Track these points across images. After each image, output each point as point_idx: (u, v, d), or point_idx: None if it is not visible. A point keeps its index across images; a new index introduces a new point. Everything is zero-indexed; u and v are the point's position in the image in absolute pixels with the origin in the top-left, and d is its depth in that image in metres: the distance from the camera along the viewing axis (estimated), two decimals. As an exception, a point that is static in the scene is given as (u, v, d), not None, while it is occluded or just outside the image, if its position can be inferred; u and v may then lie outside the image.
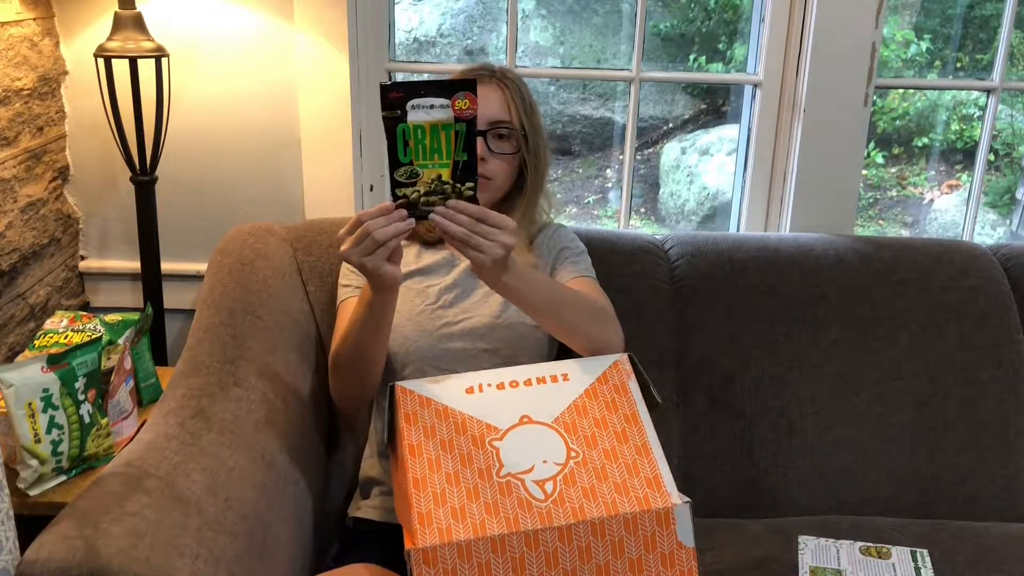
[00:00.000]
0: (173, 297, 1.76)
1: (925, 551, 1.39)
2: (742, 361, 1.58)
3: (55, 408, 1.23)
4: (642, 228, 3.15)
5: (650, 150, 3.20)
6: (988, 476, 1.58)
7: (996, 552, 1.41)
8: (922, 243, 1.71)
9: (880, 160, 3.19)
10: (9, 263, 1.54)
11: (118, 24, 1.52)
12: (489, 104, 1.32)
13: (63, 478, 1.28)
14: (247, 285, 1.41)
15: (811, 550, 1.39)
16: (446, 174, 1.05)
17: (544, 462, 1.02)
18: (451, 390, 1.10)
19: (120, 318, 1.51)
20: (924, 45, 2.84)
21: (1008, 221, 3.00)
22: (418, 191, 1.05)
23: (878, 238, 1.72)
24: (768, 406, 1.57)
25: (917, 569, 1.35)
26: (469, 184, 1.06)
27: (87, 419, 1.28)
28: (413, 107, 1.03)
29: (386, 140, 1.04)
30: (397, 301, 1.18)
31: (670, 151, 3.16)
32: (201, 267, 1.62)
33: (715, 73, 2.87)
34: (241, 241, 1.48)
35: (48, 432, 1.23)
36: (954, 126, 3.19)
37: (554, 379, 1.12)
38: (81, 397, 1.26)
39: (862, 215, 3.08)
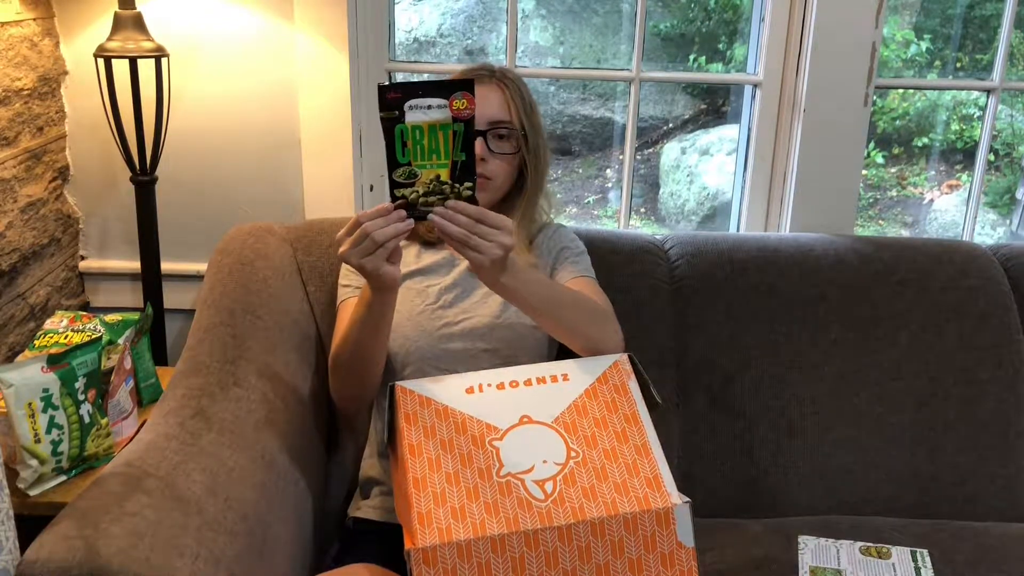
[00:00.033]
0: (173, 297, 1.76)
1: (925, 551, 1.39)
2: (742, 361, 1.58)
3: (55, 408, 1.23)
4: (642, 228, 3.15)
5: (650, 150, 3.20)
6: (988, 476, 1.58)
7: (996, 552, 1.41)
8: (922, 243, 1.71)
9: (880, 160, 3.19)
10: (9, 263, 1.54)
11: (118, 24, 1.52)
12: (489, 104, 1.32)
13: (63, 478, 1.28)
14: (247, 285, 1.41)
15: (811, 550, 1.39)
16: (444, 174, 1.05)
17: (544, 462, 1.02)
18: (451, 390, 1.10)
19: (120, 318, 1.51)
20: (924, 45, 2.84)
21: (1008, 221, 3.00)
22: (417, 191, 1.05)
23: (878, 238, 1.72)
24: (768, 406, 1.57)
25: (917, 569, 1.35)
26: (467, 184, 1.06)
27: (87, 419, 1.28)
28: (411, 108, 1.03)
29: (384, 141, 1.04)
30: (397, 301, 1.18)
31: (670, 151, 3.16)
32: (201, 267, 1.62)
33: (715, 73, 2.87)
34: (241, 241, 1.48)
35: (48, 432, 1.23)
36: (954, 126, 3.19)
37: (554, 379, 1.12)
38: (81, 397, 1.26)
39: (862, 215, 3.08)
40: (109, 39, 1.52)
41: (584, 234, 1.53)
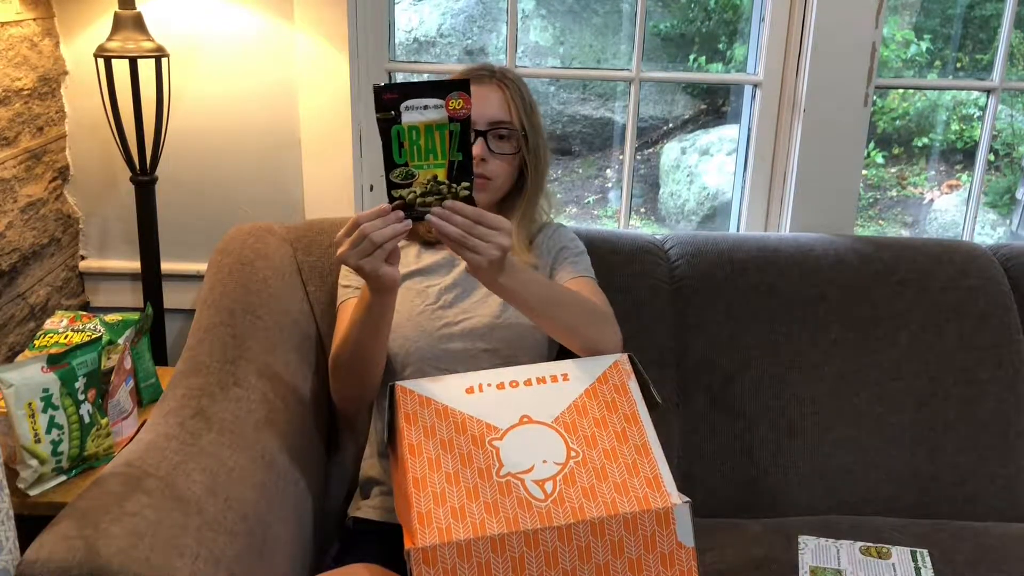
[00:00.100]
0: (173, 297, 1.76)
1: (925, 551, 1.39)
2: (742, 361, 1.58)
3: (55, 408, 1.23)
4: (642, 228, 3.15)
5: (650, 150, 3.20)
6: (988, 476, 1.58)
7: (996, 552, 1.41)
8: (922, 243, 1.71)
9: (880, 160, 3.19)
10: (9, 263, 1.54)
11: (118, 24, 1.52)
12: (489, 104, 1.32)
13: (63, 478, 1.28)
14: (247, 285, 1.41)
15: (811, 550, 1.39)
16: (442, 174, 1.05)
17: (544, 462, 1.02)
18: (451, 390, 1.10)
19: (120, 318, 1.51)
20: (924, 45, 2.84)
21: (1008, 221, 3.00)
22: (414, 192, 1.05)
23: (878, 238, 1.72)
24: (768, 406, 1.57)
25: (917, 569, 1.35)
26: (465, 184, 1.06)
27: (87, 419, 1.28)
28: (407, 108, 1.03)
29: (381, 142, 1.04)
30: (397, 301, 1.18)
31: (670, 151, 3.16)
32: (201, 267, 1.62)
33: (715, 73, 2.87)
34: (241, 241, 1.48)
35: (48, 432, 1.23)
36: (954, 126, 3.19)
37: (554, 379, 1.12)
38: (81, 397, 1.26)
39: (862, 215, 3.08)
40: (109, 39, 1.52)
41: (584, 234, 1.53)
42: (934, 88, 3.21)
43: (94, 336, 1.42)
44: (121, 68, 1.55)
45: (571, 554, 0.97)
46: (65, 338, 1.43)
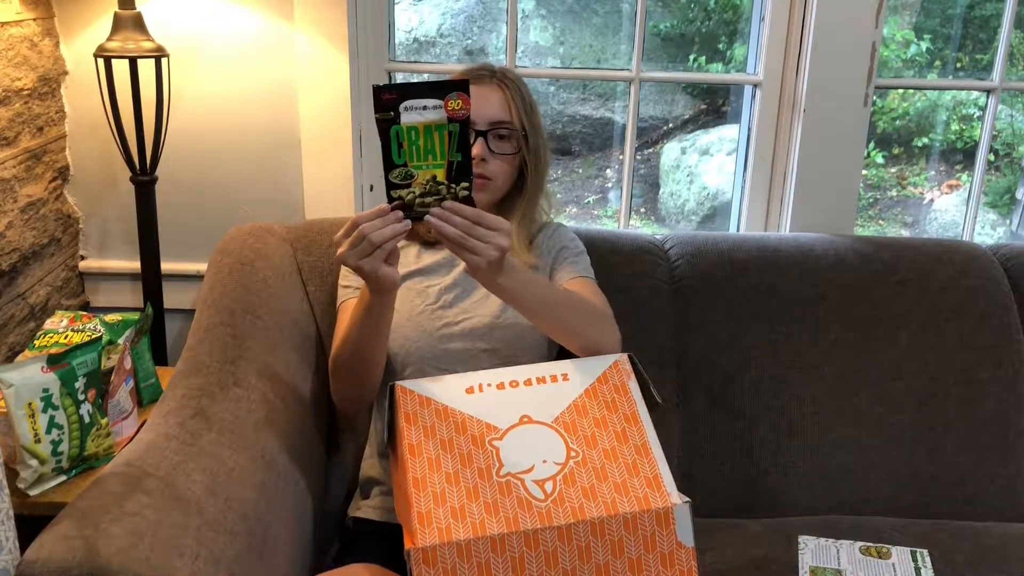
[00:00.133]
0: (173, 297, 1.76)
1: (925, 551, 1.39)
2: (742, 361, 1.58)
3: (55, 408, 1.23)
4: (642, 228, 3.15)
5: (650, 150, 3.20)
6: (988, 476, 1.58)
7: (996, 552, 1.41)
8: (922, 243, 1.71)
9: (880, 160, 3.19)
10: (9, 263, 1.54)
11: (118, 24, 1.52)
12: (489, 104, 1.32)
13: (63, 478, 1.28)
14: (247, 285, 1.41)
15: (811, 550, 1.39)
16: (441, 175, 1.05)
17: (544, 462, 1.02)
18: (451, 390, 1.10)
19: (120, 318, 1.51)
20: (924, 45, 2.84)
21: (1008, 221, 3.00)
22: (413, 192, 1.05)
23: (878, 238, 1.72)
24: (768, 406, 1.57)
25: (917, 569, 1.35)
26: (464, 184, 1.06)
27: (87, 419, 1.28)
28: (406, 109, 1.03)
29: (380, 142, 1.04)
30: (397, 301, 1.18)
31: (670, 151, 3.16)
32: (201, 267, 1.62)
33: (715, 73, 2.87)
34: (241, 241, 1.48)
35: (48, 432, 1.23)
36: (954, 126, 3.19)
37: (554, 379, 1.12)
38: (81, 397, 1.26)
39: (862, 215, 3.08)
40: (109, 39, 1.52)
41: (584, 234, 1.53)
42: (934, 88, 3.21)
43: (94, 336, 1.42)
44: (121, 68, 1.55)
45: (571, 554, 0.97)
46: (65, 338, 1.43)
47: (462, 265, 1.34)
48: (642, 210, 3.21)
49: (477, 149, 1.30)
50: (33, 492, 1.25)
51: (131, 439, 1.34)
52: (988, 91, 1.89)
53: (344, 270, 1.38)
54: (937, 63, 2.91)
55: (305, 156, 1.74)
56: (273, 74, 1.69)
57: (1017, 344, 1.62)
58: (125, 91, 1.56)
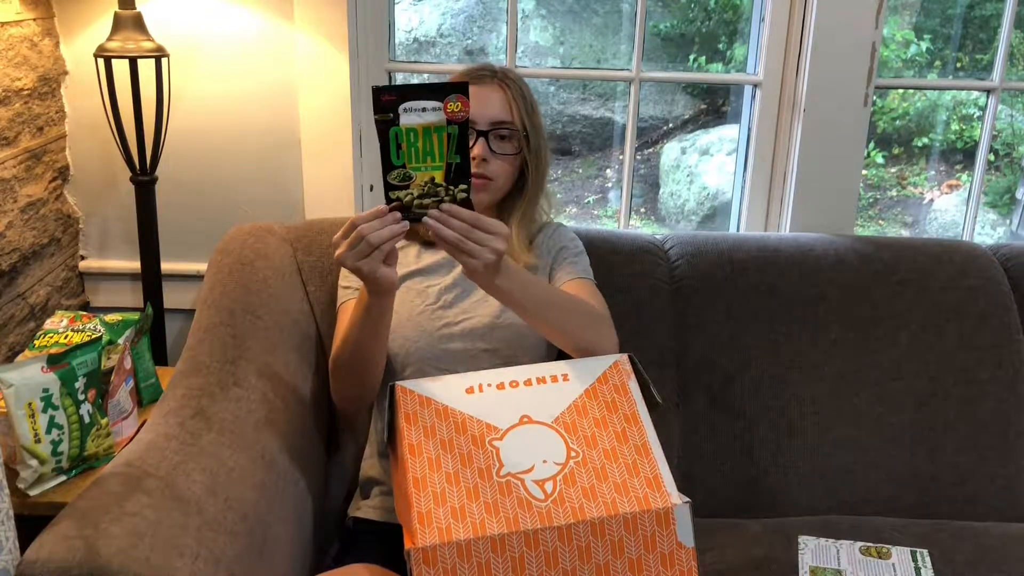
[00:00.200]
0: (173, 297, 1.76)
1: (925, 551, 1.39)
2: (742, 361, 1.58)
3: (55, 408, 1.23)
4: (642, 228, 3.15)
5: (650, 150, 3.20)
6: (988, 476, 1.58)
7: (996, 552, 1.41)
8: (922, 243, 1.71)
9: (880, 160, 3.19)
10: (9, 263, 1.54)
11: (118, 24, 1.52)
12: (491, 104, 1.32)
13: (63, 478, 1.28)
14: (247, 285, 1.41)
15: (811, 550, 1.39)
16: (439, 176, 1.06)
17: (544, 462, 1.02)
18: (451, 390, 1.10)
19: (120, 318, 1.51)
20: (924, 45, 2.84)
21: (1008, 221, 3.00)
22: (411, 194, 1.06)
23: (878, 238, 1.72)
24: (768, 406, 1.57)
25: (917, 569, 1.35)
26: (462, 186, 1.06)
27: (87, 419, 1.28)
28: (405, 110, 1.03)
29: (379, 143, 1.04)
30: (397, 302, 1.18)
31: (670, 151, 3.16)
32: (201, 267, 1.62)
33: (715, 73, 2.87)
34: (241, 241, 1.48)
35: (48, 432, 1.23)
36: (954, 126, 3.19)
37: (554, 379, 1.12)
38: (81, 397, 1.26)
39: (862, 215, 3.09)
40: (109, 39, 1.52)
41: (584, 234, 1.53)
42: (934, 88, 3.21)
43: (94, 336, 1.42)
44: (121, 68, 1.55)
45: (571, 554, 0.97)
46: (65, 338, 1.43)
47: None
48: (642, 210, 3.21)
49: (478, 149, 1.30)
50: (33, 492, 1.25)
51: (131, 439, 1.34)
52: (988, 91, 1.89)
53: (344, 270, 1.38)
54: (937, 63, 2.91)
55: (305, 156, 1.74)
56: (273, 74, 1.69)
57: (1017, 344, 1.62)
58: (125, 91, 1.56)
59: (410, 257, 1.38)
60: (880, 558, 1.37)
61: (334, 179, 1.75)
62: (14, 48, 1.53)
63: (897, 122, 3.17)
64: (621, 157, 1.98)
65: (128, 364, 1.43)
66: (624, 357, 1.14)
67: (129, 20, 1.52)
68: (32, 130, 1.60)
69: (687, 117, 3.17)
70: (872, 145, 3.10)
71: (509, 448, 1.04)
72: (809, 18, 1.71)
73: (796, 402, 1.57)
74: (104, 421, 1.32)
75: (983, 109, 1.97)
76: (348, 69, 1.69)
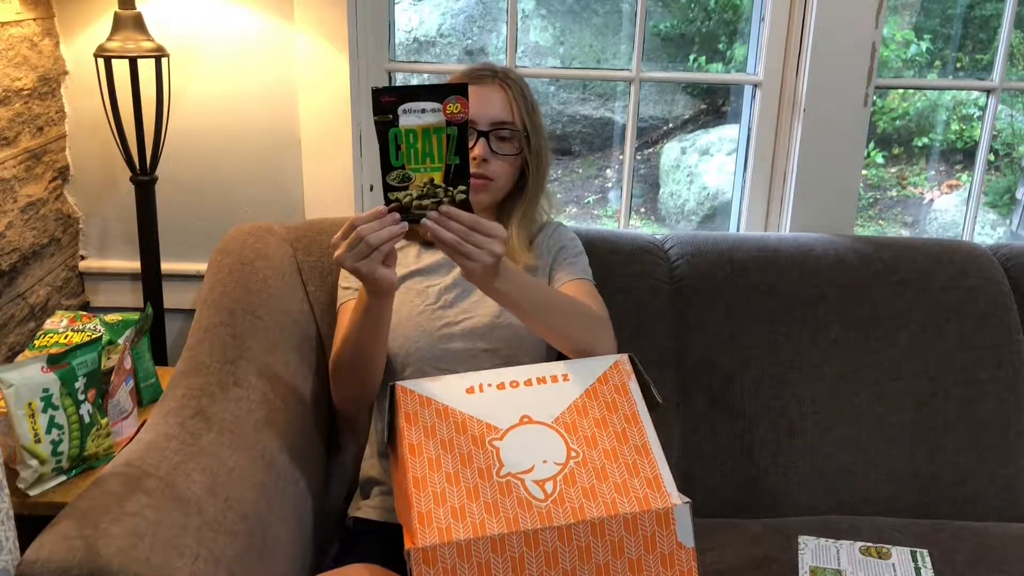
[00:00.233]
0: (173, 297, 1.76)
1: (925, 551, 1.39)
2: (742, 361, 1.58)
3: (55, 408, 1.23)
4: (642, 228, 3.15)
5: (650, 150, 3.20)
6: (988, 476, 1.58)
7: (996, 552, 1.41)
8: (922, 243, 1.71)
9: (880, 160, 3.19)
10: (9, 263, 1.54)
11: (118, 24, 1.52)
12: (491, 105, 1.32)
13: (63, 478, 1.28)
14: (247, 285, 1.40)
15: (811, 550, 1.39)
16: (438, 178, 1.06)
17: (544, 462, 1.02)
18: (451, 390, 1.10)
19: (120, 318, 1.51)
20: (924, 45, 2.84)
21: (1008, 221, 3.00)
22: (410, 195, 1.06)
23: (878, 238, 1.72)
24: (768, 406, 1.57)
25: (917, 569, 1.35)
26: (461, 188, 1.06)
27: (87, 419, 1.28)
28: (405, 111, 1.03)
29: (378, 144, 1.04)
30: (397, 301, 1.18)
31: (670, 151, 3.16)
32: (201, 267, 1.62)
33: (715, 73, 2.87)
34: (241, 241, 1.48)
35: (48, 432, 1.23)
36: (954, 126, 3.19)
37: (554, 379, 1.12)
38: (81, 397, 1.26)
39: (862, 215, 3.09)
40: (109, 39, 1.52)
41: (584, 234, 1.53)
42: (934, 88, 3.21)
43: (94, 336, 1.42)
44: (121, 68, 1.55)
45: (571, 554, 0.97)
46: (65, 338, 1.43)
47: (462, 265, 1.35)
48: (642, 210, 3.21)
49: (479, 149, 1.30)
50: (33, 492, 1.25)
51: (131, 439, 1.34)
52: (988, 91, 1.89)
53: (344, 271, 1.38)
54: (937, 63, 2.91)
55: (305, 156, 1.74)
56: (273, 74, 1.69)
57: (1017, 344, 1.62)
58: (125, 91, 1.56)
59: (410, 257, 1.38)
60: (880, 558, 1.37)
61: (334, 179, 1.75)
62: (14, 48, 1.53)
63: (897, 122, 3.18)
64: (621, 157, 1.98)
65: (128, 364, 1.43)
66: (624, 357, 1.14)
67: (129, 20, 1.52)
68: (32, 130, 1.60)
69: (687, 117, 3.17)
70: (872, 145, 3.10)
71: (509, 448, 1.04)
72: (809, 18, 1.71)
73: (796, 402, 1.57)
74: (104, 421, 1.32)
75: (983, 109, 1.97)
76: (348, 69, 1.69)
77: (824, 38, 1.71)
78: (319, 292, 1.51)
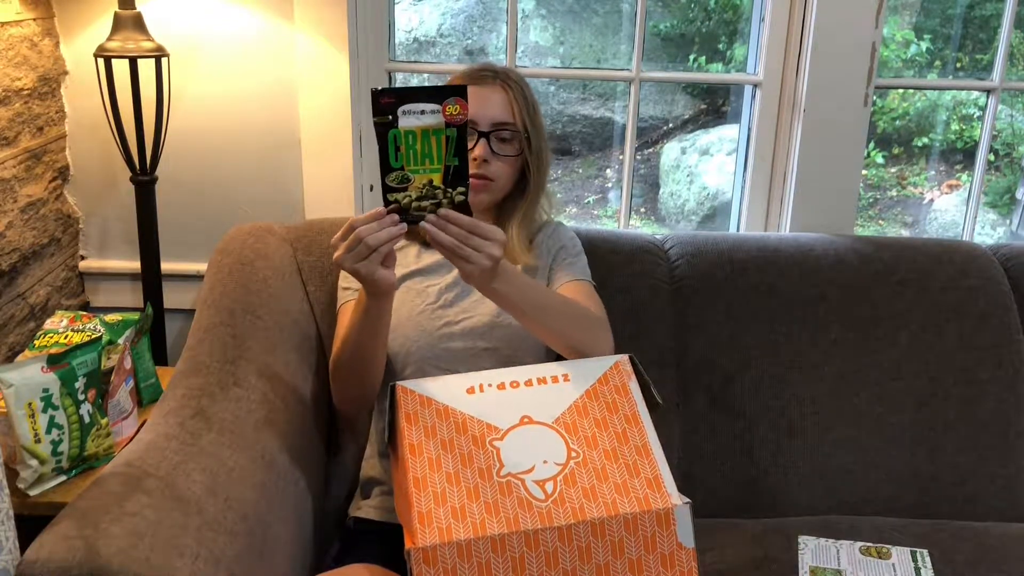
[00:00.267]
0: (173, 297, 1.76)
1: (925, 551, 1.39)
2: (742, 361, 1.58)
3: (55, 408, 1.23)
4: (642, 228, 3.15)
5: (650, 150, 3.20)
6: (988, 476, 1.58)
7: (996, 552, 1.41)
8: (922, 243, 1.71)
9: (880, 160, 3.19)
10: (9, 263, 1.54)
11: (118, 24, 1.52)
12: (492, 105, 1.32)
13: (63, 478, 1.28)
14: (247, 285, 1.41)
15: (811, 550, 1.39)
16: (437, 179, 1.06)
17: (544, 462, 1.02)
18: (452, 390, 1.10)
19: (120, 318, 1.51)
20: (924, 45, 2.84)
21: (1008, 221, 3.00)
22: (410, 196, 1.06)
23: (878, 238, 1.72)
24: (768, 406, 1.57)
25: (917, 569, 1.35)
26: (460, 189, 1.06)
27: (87, 419, 1.28)
28: (404, 112, 1.03)
29: (378, 145, 1.04)
30: (397, 301, 1.18)
31: (670, 151, 3.16)
32: (201, 267, 1.62)
33: (715, 73, 2.87)
34: (241, 241, 1.48)
35: (48, 432, 1.23)
36: (954, 126, 3.19)
37: (555, 380, 1.12)
38: (81, 397, 1.26)
39: (862, 215, 3.09)
40: (109, 39, 1.52)
41: (584, 234, 1.53)
42: (934, 88, 3.21)
43: (94, 336, 1.42)
44: (121, 68, 1.55)
45: (571, 554, 0.97)
46: (65, 338, 1.43)
47: (462, 266, 1.35)
48: (642, 210, 3.21)
49: (479, 150, 1.30)
50: (33, 492, 1.25)
51: (131, 439, 1.34)
52: (988, 91, 1.89)
53: (344, 272, 1.38)
54: (937, 63, 2.91)
55: (305, 156, 1.74)
56: (273, 74, 1.69)
57: (1017, 344, 1.62)
58: (125, 91, 1.56)
59: (410, 257, 1.38)
60: (880, 558, 1.37)
61: (334, 179, 1.75)
62: (14, 48, 1.53)
63: (897, 122, 3.18)
64: (621, 157, 1.98)
65: (128, 364, 1.43)
66: (625, 358, 1.14)
67: (129, 20, 1.52)
68: (32, 130, 1.60)
69: (687, 117, 3.17)
70: (872, 145, 3.10)
71: (509, 448, 1.04)
72: (809, 18, 1.71)
73: (796, 402, 1.57)
74: (104, 421, 1.32)
75: (983, 109, 1.97)
76: (348, 69, 1.69)
77: (824, 38, 1.71)
78: (319, 292, 1.51)
